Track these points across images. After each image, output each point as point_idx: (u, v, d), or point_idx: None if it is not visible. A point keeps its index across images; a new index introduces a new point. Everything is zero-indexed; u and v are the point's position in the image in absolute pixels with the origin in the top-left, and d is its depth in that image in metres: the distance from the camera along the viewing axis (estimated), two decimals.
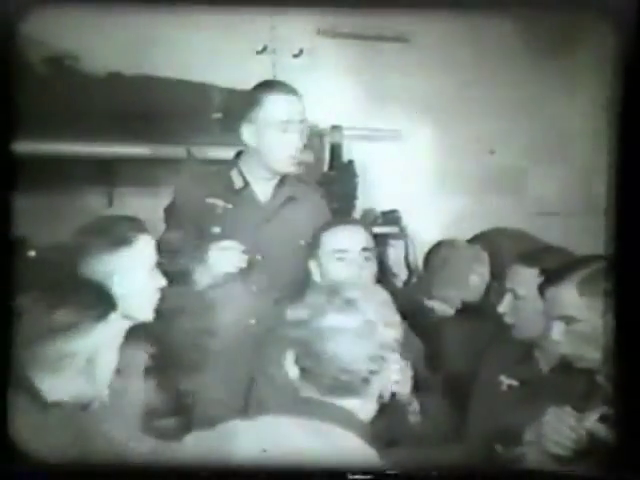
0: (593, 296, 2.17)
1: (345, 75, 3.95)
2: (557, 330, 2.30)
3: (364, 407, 1.77)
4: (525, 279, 2.62)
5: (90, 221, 2.50)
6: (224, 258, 2.72)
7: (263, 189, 2.90)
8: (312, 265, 2.75)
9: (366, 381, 1.75)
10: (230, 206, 2.82)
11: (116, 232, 2.44)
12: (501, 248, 3.38)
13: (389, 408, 1.87)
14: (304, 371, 1.76)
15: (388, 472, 1.76)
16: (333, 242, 2.74)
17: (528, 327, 2.63)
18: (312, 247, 2.78)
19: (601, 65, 2.10)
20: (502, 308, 2.66)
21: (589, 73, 3.69)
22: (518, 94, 4.04)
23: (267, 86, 2.89)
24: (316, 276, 2.74)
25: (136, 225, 2.49)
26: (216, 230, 2.80)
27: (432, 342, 3.02)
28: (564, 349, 2.33)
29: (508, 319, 2.65)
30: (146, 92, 3.52)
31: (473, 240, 3.53)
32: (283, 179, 2.92)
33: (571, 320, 2.26)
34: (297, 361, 1.77)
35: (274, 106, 2.82)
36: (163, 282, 2.49)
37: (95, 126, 3.32)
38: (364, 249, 2.73)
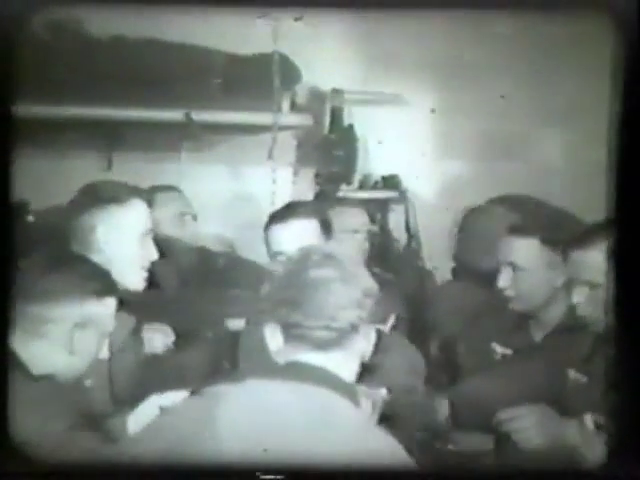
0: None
1: (347, 39, 3.93)
2: (579, 293, 2.30)
3: (347, 366, 1.79)
4: (524, 250, 2.60)
5: (87, 183, 2.46)
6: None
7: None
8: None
9: (354, 328, 1.76)
10: None
11: (109, 190, 2.40)
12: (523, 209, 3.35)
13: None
14: (294, 328, 1.76)
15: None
16: (273, 243, 2.60)
17: (529, 299, 2.62)
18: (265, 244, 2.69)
19: (605, 33, 2.09)
20: (502, 282, 2.63)
21: (591, 49, 3.66)
22: (521, 58, 4.02)
23: (154, 190, 2.99)
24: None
25: (132, 190, 2.44)
26: None
27: (429, 306, 3.04)
28: (582, 312, 2.32)
29: (509, 292, 2.64)
30: (147, 56, 3.51)
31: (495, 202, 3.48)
32: None
33: (595, 285, 2.25)
34: (286, 319, 1.77)
35: (164, 206, 2.97)
36: (155, 255, 2.43)
37: (96, 89, 3.31)
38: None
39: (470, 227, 3.32)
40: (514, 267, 2.61)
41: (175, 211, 3.01)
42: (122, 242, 2.33)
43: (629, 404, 1.84)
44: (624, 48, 1.93)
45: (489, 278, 3.04)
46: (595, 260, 2.23)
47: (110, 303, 2.11)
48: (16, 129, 2.06)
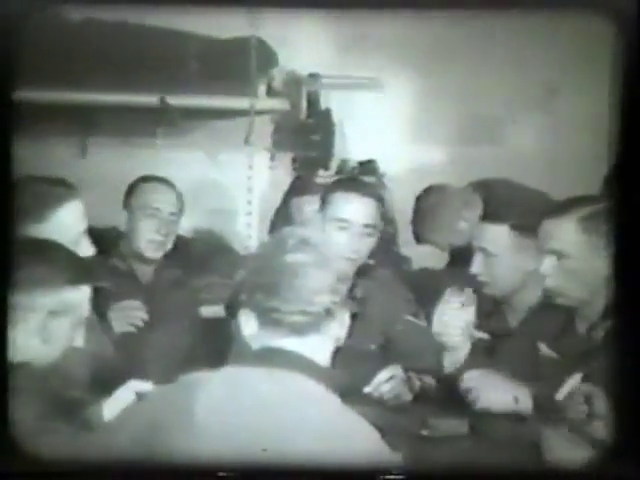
0: (590, 234, 2.15)
1: (324, 22, 3.91)
2: (548, 264, 2.30)
3: (322, 350, 1.78)
4: (495, 236, 2.61)
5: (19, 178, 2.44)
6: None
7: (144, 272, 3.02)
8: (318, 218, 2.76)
9: (329, 313, 1.76)
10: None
11: (41, 192, 2.37)
12: (495, 195, 3.37)
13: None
14: (270, 313, 1.75)
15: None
16: (338, 208, 2.69)
17: (501, 284, 2.63)
18: (322, 203, 2.75)
19: (587, 22, 2.10)
20: (475, 269, 2.64)
21: (570, 36, 3.67)
22: (499, 42, 4.01)
23: (142, 178, 3.04)
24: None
25: (64, 190, 2.41)
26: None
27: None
28: (550, 283, 2.33)
29: (482, 278, 2.65)
30: (122, 39, 3.48)
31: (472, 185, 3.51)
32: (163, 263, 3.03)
33: (563, 255, 2.26)
34: (262, 305, 1.76)
35: (144, 193, 3.00)
36: (90, 251, 2.43)
37: (70, 74, 3.28)
38: (366, 225, 2.68)
39: (425, 207, 3.37)
40: (486, 253, 2.63)
41: (146, 204, 2.99)
42: None
43: (628, 404, 1.83)
44: (624, 47, 1.93)
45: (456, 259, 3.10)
46: (566, 231, 2.24)
47: (85, 290, 2.10)
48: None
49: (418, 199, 3.41)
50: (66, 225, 2.38)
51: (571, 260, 2.23)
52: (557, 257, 2.28)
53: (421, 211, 3.39)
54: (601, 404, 2.07)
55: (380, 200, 2.80)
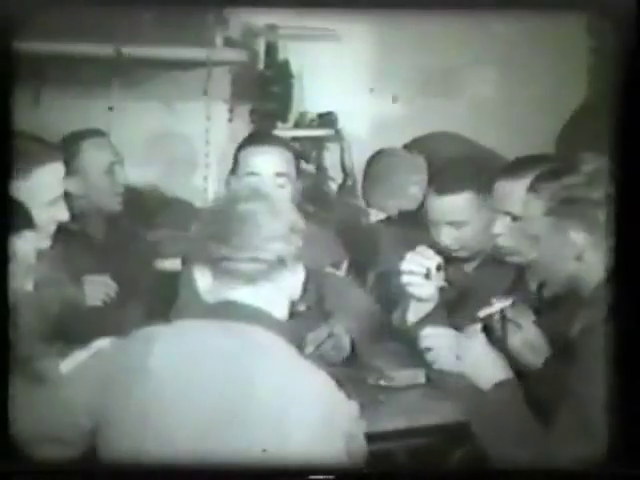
0: (541, 194, 2.17)
1: None
2: (500, 224, 2.36)
3: (277, 302, 1.80)
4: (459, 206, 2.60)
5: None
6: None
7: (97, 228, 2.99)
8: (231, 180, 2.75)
9: (282, 261, 1.77)
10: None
11: (24, 151, 2.30)
12: (439, 154, 3.38)
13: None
14: (222, 262, 1.76)
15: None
16: (247, 163, 2.69)
17: (471, 247, 2.64)
18: (233, 165, 2.75)
19: None
20: (443, 237, 2.63)
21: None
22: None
23: (78, 136, 2.97)
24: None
25: (44, 150, 2.39)
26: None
27: (364, 245, 3.05)
28: (502, 242, 2.39)
29: (453, 246, 2.64)
30: None
31: (411, 145, 3.52)
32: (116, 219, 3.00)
33: (517, 216, 2.29)
34: (215, 254, 1.77)
35: (92, 152, 2.95)
36: (65, 216, 2.40)
37: (21, 22, 3.20)
38: (278, 174, 2.66)
39: (375, 171, 3.36)
40: (455, 225, 2.62)
41: (105, 161, 2.95)
42: (32, 205, 2.20)
43: (629, 404, 1.84)
44: (623, 48, 1.93)
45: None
46: (518, 192, 2.25)
47: (30, 237, 2.08)
48: None
49: (369, 163, 3.40)
50: (46, 183, 2.35)
51: (524, 221, 2.25)
52: (511, 218, 2.33)
53: (371, 175, 3.38)
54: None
55: (292, 150, 2.78)
